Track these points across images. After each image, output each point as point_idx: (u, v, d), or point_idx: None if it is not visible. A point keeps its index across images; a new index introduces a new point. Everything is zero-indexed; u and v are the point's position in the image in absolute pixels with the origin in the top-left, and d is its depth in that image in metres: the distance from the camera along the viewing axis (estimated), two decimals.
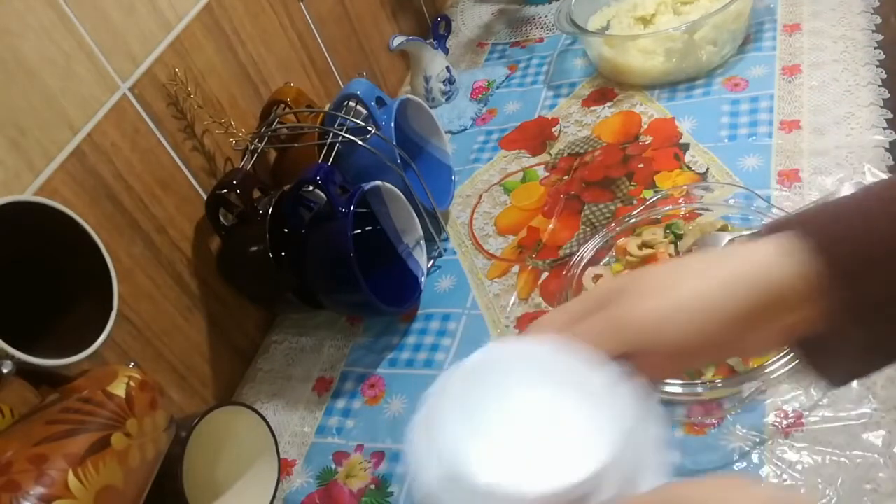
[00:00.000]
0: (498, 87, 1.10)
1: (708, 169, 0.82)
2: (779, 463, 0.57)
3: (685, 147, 0.86)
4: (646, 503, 0.35)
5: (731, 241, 0.69)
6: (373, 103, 0.83)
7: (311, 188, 0.79)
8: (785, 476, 0.56)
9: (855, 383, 0.59)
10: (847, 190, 0.68)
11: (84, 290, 0.59)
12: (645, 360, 0.38)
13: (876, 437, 0.56)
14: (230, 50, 0.85)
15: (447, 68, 1.08)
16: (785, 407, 0.60)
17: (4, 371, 0.48)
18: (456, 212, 0.93)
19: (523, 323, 0.76)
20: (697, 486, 0.34)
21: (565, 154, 0.93)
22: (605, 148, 0.91)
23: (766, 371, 0.59)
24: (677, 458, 0.60)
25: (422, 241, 0.84)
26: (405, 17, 1.22)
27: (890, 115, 0.77)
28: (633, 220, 0.77)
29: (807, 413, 0.59)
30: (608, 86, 1.00)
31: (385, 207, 0.82)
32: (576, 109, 0.99)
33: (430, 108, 0.92)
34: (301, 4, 0.97)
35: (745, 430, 0.60)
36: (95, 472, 0.47)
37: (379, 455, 0.71)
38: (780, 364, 0.59)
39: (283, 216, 0.77)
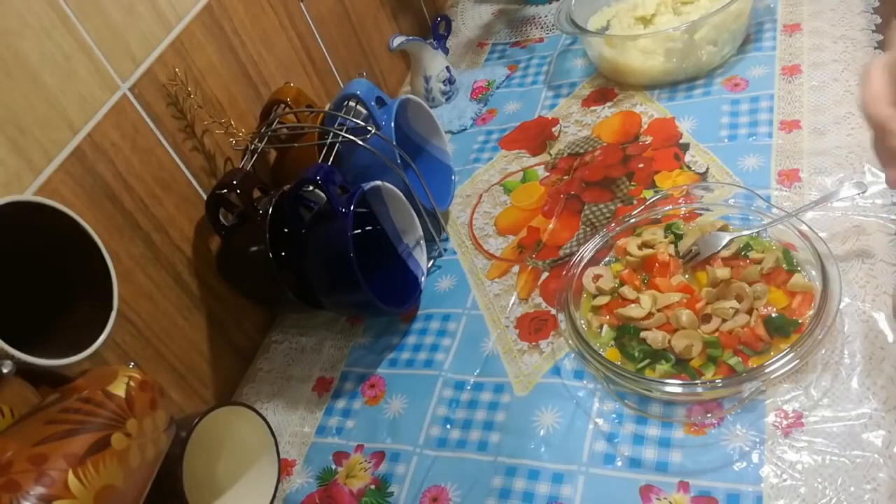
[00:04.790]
0: (498, 87, 1.10)
1: (708, 169, 0.82)
2: (779, 463, 0.57)
3: (685, 147, 0.86)
4: None
5: (731, 241, 0.69)
6: (373, 103, 0.83)
7: (311, 188, 0.80)
8: (785, 476, 0.56)
9: (855, 383, 0.59)
10: (847, 190, 0.68)
11: (84, 290, 0.59)
12: None
13: (876, 437, 0.56)
14: (230, 50, 0.85)
15: (447, 68, 1.08)
16: (785, 407, 0.60)
17: (4, 371, 0.48)
18: (456, 212, 0.93)
19: (523, 323, 0.76)
20: None
21: (565, 154, 0.93)
22: (605, 148, 0.91)
23: (766, 371, 0.59)
24: (677, 458, 0.60)
25: (422, 241, 0.84)
26: (405, 17, 1.22)
27: None
28: (633, 220, 0.77)
29: (807, 413, 0.59)
30: (608, 86, 1.00)
31: (385, 207, 0.82)
32: (576, 109, 0.99)
33: (430, 108, 0.92)
34: (301, 4, 0.97)
35: (745, 430, 0.60)
36: (95, 472, 0.47)
37: (379, 455, 0.71)
38: (780, 364, 0.59)
39: (283, 216, 0.77)
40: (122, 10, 0.71)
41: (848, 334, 0.62)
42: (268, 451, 0.71)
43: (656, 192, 0.82)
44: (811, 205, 0.68)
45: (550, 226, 0.85)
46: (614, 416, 0.65)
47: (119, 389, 0.52)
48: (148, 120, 0.74)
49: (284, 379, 0.84)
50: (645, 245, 0.74)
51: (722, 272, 0.68)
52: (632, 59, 0.95)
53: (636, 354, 0.66)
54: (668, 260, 0.71)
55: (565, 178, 0.90)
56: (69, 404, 0.50)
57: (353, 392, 0.78)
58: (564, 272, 0.76)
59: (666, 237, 0.74)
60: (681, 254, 0.71)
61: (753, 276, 0.67)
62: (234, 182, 0.77)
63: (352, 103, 0.84)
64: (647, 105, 0.94)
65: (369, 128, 0.79)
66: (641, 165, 0.86)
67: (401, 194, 0.81)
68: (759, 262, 0.68)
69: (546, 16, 1.20)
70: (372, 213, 0.84)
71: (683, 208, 0.77)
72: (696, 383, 0.62)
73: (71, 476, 0.46)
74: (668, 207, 0.77)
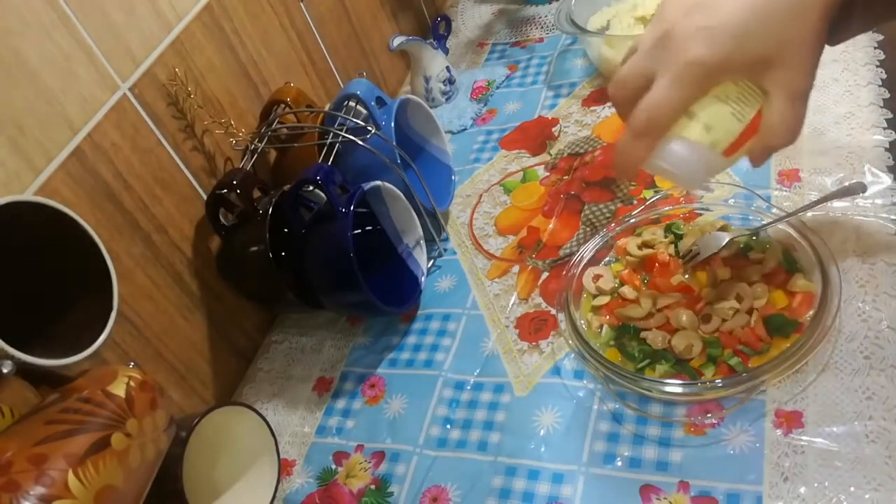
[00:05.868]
0: (498, 87, 1.10)
1: None
2: (779, 463, 0.57)
3: None
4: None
5: (731, 241, 0.69)
6: (373, 103, 0.83)
7: (311, 188, 0.80)
8: (785, 476, 0.56)
9: (855, 383, 0.59)
10: (847, 190, 0.68)
11: (84, 290, 0.59)
12: None
13: (876, 438, 0.56)
14: (230, 50, 0.85)
15: (447, 68, 1.08)
16: (785, 407, 0.60)
17: (4, 371, 0.48)
18: (456, 212, 0.93)
19: (523, 323, 0.76)
20: None
21: (565, 154, 0.93)
22: (606, 148, 0.91)
23: (766, 371, 0.59)
24: (677, 458, 0.60)
25: (422, 241, 0.84)
26: (405, 17, 1.22)
27: (890, 115, 0.77)
28: (633, 220, 0.77)
29: (807, 413, 0.59)
30: (608, 86, 1.00)
31: (385, 207, 0.82)
32: (576, 109, 0.99)
33: (430, 108, 0.92)
34: (301, 4, 0.97)
35: (745, 430, 0.60)
36: (95, 472, 0.47)
37: (379, 455, 0.71)
38: (780, 364, 0.59)
39: (283, 216, 0.77)
40: (122, 11, 0.71)
41: (848, 334, 0.62)
42: (268, 451, 0.71)
43: (656, 191, 0.82)
44: (811, 205, 0.68)
45: (550, 226, 0.85)
46: (614, 416, 0.65)
47: (119, 389, 0.52)
48: (148, 120, 0.74)
49: (284, 379, 0.84)
50: (645, 245, 0.74)
51: (722, 272, 0.68)
52: None
53: (636, 354, 0.66)
54: (668, 260, 0.71)
55: (565, 178, 0.90)
56: (69, 404, 0.50)
57: (353, 392, 0.78)
58: (564, 272, 0.76)
59: (666, 237, 0.74)
60: (681, 254, 0.71)
61: (753, 276, 0.67)
62: (234, 182, 0.77)
63: (352, 103, 0.84)
64: None
65: (369, 128, 0.80)
66: None
67: (401, 194, 0.81)
68: (759, 262, 0.68)
69: (546, 16, 1.20)
70: (372, 213, 0.84)
71: (683, 208, 0.77)
72: (696, 383, 0.62)
73: (71, 476, 0.46)
74: (668, 207, 0.77)
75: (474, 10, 1.28)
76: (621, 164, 0.52)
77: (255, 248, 0.76)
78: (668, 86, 0.48)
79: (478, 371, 0.74)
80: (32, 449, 0.46)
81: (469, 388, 0.73)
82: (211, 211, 0.78)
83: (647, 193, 0.82)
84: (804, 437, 0.58)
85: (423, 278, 0.83)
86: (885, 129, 0.76)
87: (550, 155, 0.94)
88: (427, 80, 1.08)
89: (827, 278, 0.63)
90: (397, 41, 1.01)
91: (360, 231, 0.84)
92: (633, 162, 0.51)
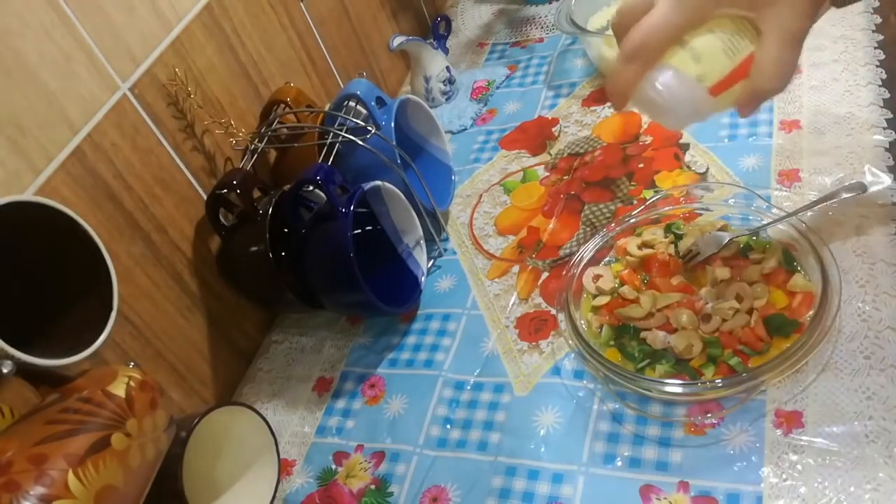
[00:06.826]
0: (498, 87, 1.10)
1: (708, 169, 0.82)
2: (779, 463, 0.57)
3: (685, 147, 0.86)
4: None
5: (731, 241, 0.69)
6: (373, 103, 0.83)
7: (311, 188, 0.80)
8: (784, 476, 0.56)
9: (855, 383, 0.59)
10: (847, 190, 0.68)
11: (84, 290, 0.59)
12: None
13: (876, 438, 0.56)
14: (230, 50, 0.85)
15: (447, 68, 1.08)
16: (785, 407, 0.60)
17: (4, 371, 0.48)
18: (456, 212, 0.93)
19: (523, 323, 0.76)
20: None
21: (565, 154, 0.93)
22: (605, 148, 0.91)
23: (766, 371, 0.59)
24: (677, 458, 0.60)
25: (422, 241, 0.84)
26: (405, 17, 1.22)
27: (890, 115, 0.77)
28: (633, 220, 0.77)
29: (807, 413, 0.59)
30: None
31: (385, 207, 0.82)
32: (576, 109, 0.99)
33: (430, 108, 0.92)
34: (301, 4, 0.97)
35: (745, 430, 0.60)
36: (95, 472, 0.47)
37: (379, 455, 0.71)
38: (780, 364, 0.59)
39: (283, 216, 0.77)
40: (122, 10, 0.71)
41: (848, 334, 0.62)
42: (268, 451, 0.71)
43: (656, 192, 0.82)
44: (811, 205, 0.68)
45: (550, 226, 0.85)
46: (614, 416, 0.65)
47: (119, 389, 0.52)
48: (148, 120, 0.74)
49: (284, 379, 0.84)
50: (645, 245, 0.74)
51: (722, 272, 0.68)
52: None
53: (636, 354, 0.66)
54: (668, 260, 0.71)
55: (565, 178, 0.90)
56: (69, 404, 0.50)
57: (353, 392, 0.78)
58: (564, 272, 0.76)
59: (666, 237, 0.74)
60: (681, 254, 0.71)
61: (753, 276, 0.67)
62: (234, 182, 0.77)
63: (352, 103, 0.84)
64: None
65: (369, 128, 0.80)
66: (641, 165, 0.86)
67: (401, 194, 0.81)
68: (759, 262, 0.68)
69: (546, 16, 1.20)
70: (372, 213, 0.84)
71: (683, 208, 0.77)
72: (696, 383, 0.62)
73: (71, 476, 0.46)
74: (668, 207, 0.77)
75: (474, 10, 1.28)
76: (612, 89, 0.52)
77: (255, 248, 0.76)
78: (664, 9, 0.48)
79: (478, 371, 0.74)
80: (32, 449, 0.46)
81: (469, 388, 0.73)
82: (211, 211, 0.78)
83: (647, 193, 0.82)
84: (804, 437, 0.58)
85: (423, 278, 0.83)
86: (885, 129, 0.76)
87: (550, 155, 0.94)
88: (427, 80, 1.08)
89: (827, 278, 0.63)
90: (397, 41, 1.01)
91: (360, 231, 0.84)
92: (623, 86, 0.51)
